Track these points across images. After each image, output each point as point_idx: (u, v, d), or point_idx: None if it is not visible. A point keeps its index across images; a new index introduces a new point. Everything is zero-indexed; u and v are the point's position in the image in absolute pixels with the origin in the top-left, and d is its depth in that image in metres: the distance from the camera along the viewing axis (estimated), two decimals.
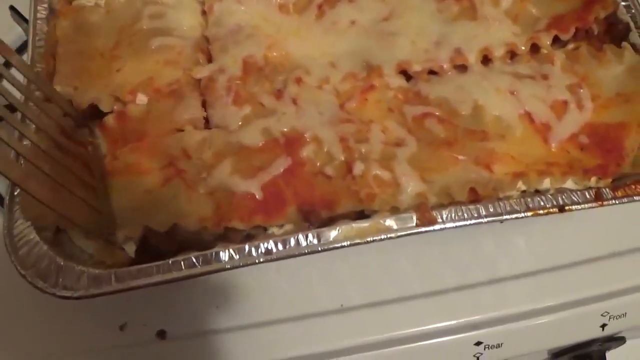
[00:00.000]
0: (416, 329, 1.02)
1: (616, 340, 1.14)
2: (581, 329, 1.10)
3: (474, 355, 1.05)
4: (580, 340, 1.12)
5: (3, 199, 0.91)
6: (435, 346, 1.03)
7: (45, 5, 1.07)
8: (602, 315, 1.08)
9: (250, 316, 1.01)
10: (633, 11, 1.09)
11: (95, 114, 1.01)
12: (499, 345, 1.05)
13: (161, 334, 1.00)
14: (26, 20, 1.20)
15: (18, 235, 0.88)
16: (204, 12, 1.12)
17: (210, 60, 1.06)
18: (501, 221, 0.92)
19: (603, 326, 1.09)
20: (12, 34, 1.28)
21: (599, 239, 1.10)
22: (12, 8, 1.24)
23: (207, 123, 1.01)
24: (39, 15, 1.06)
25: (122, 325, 1.00)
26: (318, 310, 1.02)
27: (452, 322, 1.03)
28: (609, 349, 1.15)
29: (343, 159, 0.95)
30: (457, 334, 1.04)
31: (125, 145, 0.98)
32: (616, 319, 1.09)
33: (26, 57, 1.03)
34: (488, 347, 1.05)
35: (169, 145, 0.96)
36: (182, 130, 0.98)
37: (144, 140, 0.97)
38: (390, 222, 0.89)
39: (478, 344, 1.04)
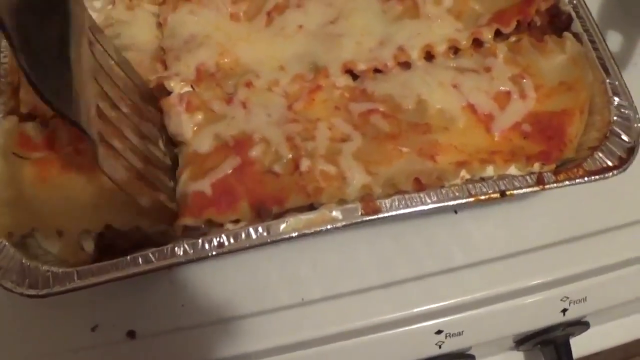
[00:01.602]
0: (377, 319, 1.08)
1: (579, 325, 1.18)
2: (542, 314, 1.15)
3: (436, 344, 1.11)
4: (542, 326, 1.17)
5: None
6: (397, 336, 1.09)
7: None
8: (561, 300, 1.13)
9: (214, 313, 1.07)
10: (575, 2, 1.15)
11: None
12: (460, 333, 1.11)
13: (131, 334, 1.06)
14: None
15: None
16: (159, 24, 1.20)
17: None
18: (455, 211, 0.99)
19: (564, 311, 1.14)
20: None
21: (553, 224, 1.15)
22: None
23: None
24: None
25: (94, 327, 1.07)
26: (279, 304, 1.08)
27: (412, 311, 1.08)
28: (572, 334, 1.19)
29: (290, 156, 1.01)
30: (417, 323, 1.10)
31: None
32: (576, 303, 1.14)
33: None
34: (449, 335, 1.11)
35: None
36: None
37: None
38: (336, 213, 0.96)
39: (439, 332, 1.10)
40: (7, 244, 0.96)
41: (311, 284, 1.10)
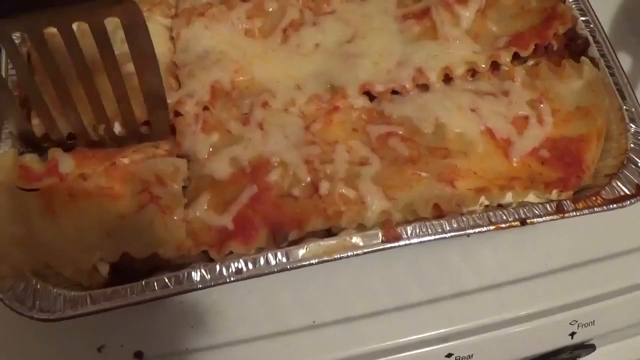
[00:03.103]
0: (388, 343, 1.08)
1: (586, 347, 1.20)
2: (551, 337, 1.16)
3: None
4: (551, 349, 1.17)
5: None
6: (407, 359, 1.09)
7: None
8: (570, 323, 1.14)
9: (224, 335, 1.06)
10: (592, 26, 1.15)
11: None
12: (469, 357, 1.11)
13: (138, 355, 1.05)
14: None
15: None
16: (172, 38, 1.18)
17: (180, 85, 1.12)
18: (467, 235, 0.99)
19: (572, 334, 1.15)
20: None
21: (564, 249, 1.16)
22: None
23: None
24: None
25: (100, 347, 1.05)
26: (291, 327, 1.08)
27: (423, 335, 1.09)
28: (579, 356, 1.20)
29: (309, 180, 1.01)
30: (427, 346, 1.10)
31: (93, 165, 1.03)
32: (585, 327, 1.15)
33: None
34: (459, 359, 1.11)
35: (142, 172, 1.01)
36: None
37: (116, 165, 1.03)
38: (356, 239, 0.96)
39: (449, 355, 1.10)
40: None
41: (323, 306, 1.10)
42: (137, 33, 0.93)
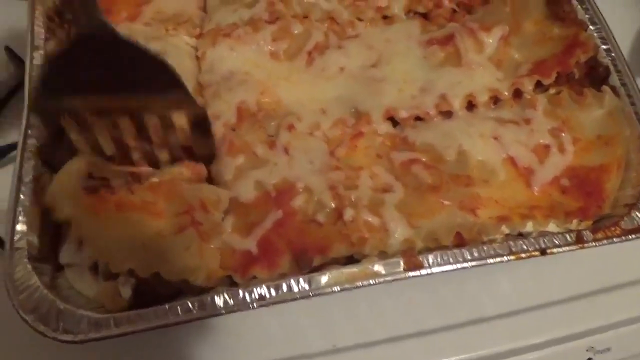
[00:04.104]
0: None
1: None
2: None
3: None
4: None
5: (4, 242, 0.98)
6: None
7: (41, 52, 1.13)
8: (587, 350, 1.15)
9: (244, 358, 1.08)
10: (613, 54, 1.16)
11: None
12: None
13: None
14: (21, 60, 1.28)
15: (19, 279, 0.94)
16: (197, 57, 1.19)
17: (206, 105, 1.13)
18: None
19: None
20: (7, 73, 1.36)
21: (581, 276, 1.17)
22: (7, 48, 1.31)
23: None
24: (34, 62, 1.12)
25: None
26: (311, 351, 1.09)
27: None
28: None
29: (334, 206, 1.02)
30: None
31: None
32: (601, 353, 1.15)
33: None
34: None
35: (188, 194, 1.02)
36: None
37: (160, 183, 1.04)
38: (378, 267, 0.96)
39: None
40: (40, 285, 0.94)
41: (343, 330, 1.11)
42: (201, 129, 1.02)
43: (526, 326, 1.13)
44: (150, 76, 0.96)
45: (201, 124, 1.02)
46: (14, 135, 1.23)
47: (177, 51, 1.17)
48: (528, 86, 1.14)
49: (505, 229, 1.02)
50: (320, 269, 0.97)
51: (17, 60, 1.33)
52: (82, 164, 1.04)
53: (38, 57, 1.13)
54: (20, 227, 0.98)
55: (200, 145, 1.06)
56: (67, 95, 0.98)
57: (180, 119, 1.02)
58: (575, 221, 1.03)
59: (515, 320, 1.13)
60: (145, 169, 1.07)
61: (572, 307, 1.15)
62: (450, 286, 1.14)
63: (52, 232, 1.03)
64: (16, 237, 0.97)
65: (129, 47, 0.95)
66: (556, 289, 1.16)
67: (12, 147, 1.24)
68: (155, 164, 1.07)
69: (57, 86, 0.98)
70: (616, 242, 1.02)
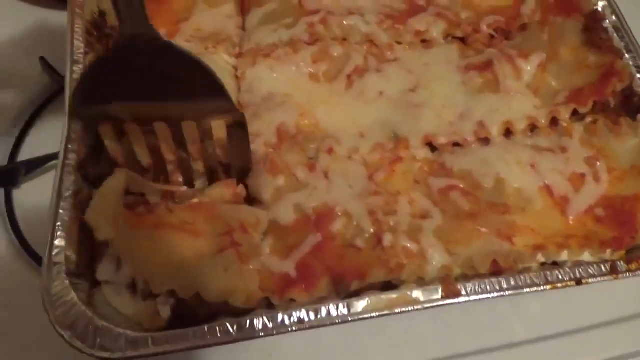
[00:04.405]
0: None
1: None
2: None
3: None
4: None
5: (41, 258, 0.98)
6: None
7: (81, 66, 1.14)
8: None
9: None
10: None
11: None
12: None
13: None
14: (56, 72, 1.28)
15: (56, 294, 0.94)
16: (236, 76, 1.20)
17: None
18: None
19: None
20: (41, 84, 1.37)
21: (612, 303, 1.19)
22: (42, 59, 1.32)
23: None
24: (74, 75, 1.12)
25: None
26: None
27: None
28: None
29: (372, 231, 1.02)
30: None
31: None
32: None
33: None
34: None
35: (228, 215, 1.03)
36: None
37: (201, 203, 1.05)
38: (417, 294, 0.97)
39: None
40: (77, 301, 0.94)
41: (374, 352, 1.12)
42: (239, 134, 1.02)
43: (556, 352, 1.14)
44: (192, 82, 0.97)
45: (240, 132, 1.02)
46: (49, 146, 1.24)
47: (217, 69, 1.16)
48: (565, 114, 1.15)
49: (541, 258, 1.02)
50: (357, 293, 0.98)
51: (51, 71, 1.33)
52: (121, 180, 1.04)
53: (77, 71, 1.13)
54: (58, 242, 0.98)
55: (237, 156, 1.06)
56: (106, 101, 0.99)
57: (219, 129, 1.02)
58: (609, 250, 1.04)
59: (546, 346, 1.14)
60: (183, 189, 1.08)
61: (603, 333, 1.16)
62: (483, 310, 1.15)
63: (89, 248, 1.03)
64: (54, 252, 0.97)
65: (172, 50, 0.96)
66: (587, 315, 1.17)
67: (48, 158, 1.25)
68: (190, 175, 1.08)
69: (97, 91, 0.99)
70: None
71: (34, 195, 1.25)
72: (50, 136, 1.13)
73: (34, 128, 1.34)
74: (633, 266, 1.03)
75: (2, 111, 1.34)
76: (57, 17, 1.37)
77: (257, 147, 1.09)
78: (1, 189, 1.26)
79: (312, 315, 0.95)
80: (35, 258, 1.18)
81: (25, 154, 1.31)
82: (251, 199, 1.08)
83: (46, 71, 1.34)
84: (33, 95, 1.38)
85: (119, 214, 1.00)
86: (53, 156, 1.21)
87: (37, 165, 1.26)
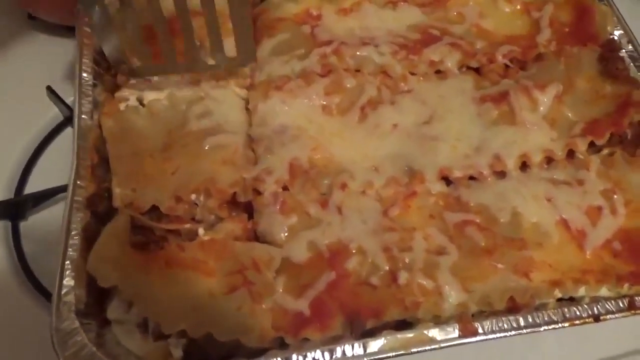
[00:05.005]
0: None
1: None
2: None
3: None
4: None
5: (48, 291, 0.97)
6: None
7: (90, 99, 1.13)
8: None
9: None
10: None
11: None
12: None
13: None
14: (63, 102, 1.27)
15: (66, 335, 0.93)
16: (247, 109, 1.19)
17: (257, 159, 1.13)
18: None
19: None
20: (49, 114, 1.36)
21: (630, 336, 1.18)
22: (49, 88, 1.31)
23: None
24: (83, 109, 1.12)
25: None
26: None
27: None
28: None
29: (387, 268, 1.01)
30: None
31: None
32: None
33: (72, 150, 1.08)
34: None
35: (240, 253, 1.02)
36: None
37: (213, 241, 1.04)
38: (433, 333, 0.96)
39: None
40: (87, 342, 0.93)
41: None
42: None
43: None
44: None
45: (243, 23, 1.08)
46: (56, 177, 1.23)
47: (223, 102, 1.16)
48: (582, 147, 1.14)
49: (558, 293, 1.02)
50: (372, 332, 0.97)
51: (58, 100, 1.32)
52: (123, 222, 1.04)
53: (85, 104, 1.12)
54: (67, 281, 0.97)
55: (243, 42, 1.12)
56: None
57: None
58: (626, 285, 1.03)
59: None
60: (189, 225, 1.07)
61: None
62: (498, 344, 1.11)
63: (99, 286, 1.01)
64: (63, 291, 0.96)
65: None
66: (604, 349, 1.16)
67: (56, 190, 1.23)
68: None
69: None
70: None
71: (42, 227, 1.24)
72: (57, 167, 1.12)
73: (41, 159, 1.33)
74: None
75: (9, 141, 1.34)
76: (62, 45, 1.36)
77: (269, 185, 1.08)
78: (8, 222, 1.24)
79: (327, 356, 0.95)
80: (42, 291, 1.17)
81: (32, 186, 1.30)
82: (261, 240, 1.07)
83: (53, 100, 1.33)
84: (40, 125, 1.37)
85: (126, 255, 0.99)
86: (61, 188, 1.20)
87: (45, 197, 1.26)
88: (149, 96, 1.19)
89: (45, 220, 1.25)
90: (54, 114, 1.36)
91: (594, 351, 1.16)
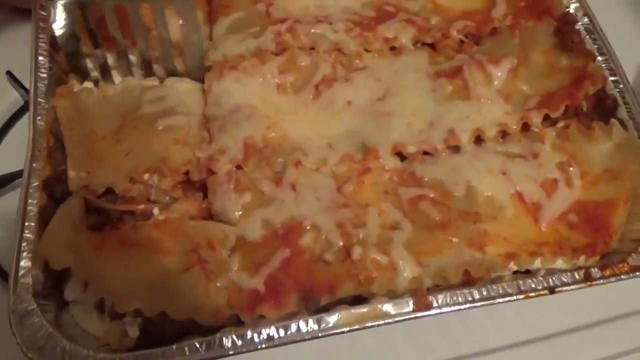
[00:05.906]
0: None
1: None
2: None
3: None
4: None
5: (8, 275, 0.98)
6: None
7: (45, 82, 1.13)
8: None
9: None
10: (621, 86, 1.17)
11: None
12: None
13: None
14: (22, 86, 1.27)
15: (23, 316, 0.94)
16: (203, 90, 1.19)
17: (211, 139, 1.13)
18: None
19: None
20: (8, 98, 1.36)
21: (587, 307, 1.19)
22: (9, 73, 1.31)
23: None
24: (39, 91, 1.12)
25: None
26: None
27: None
28: None
29: (341, 244, 1.02)
30: None
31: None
32: None
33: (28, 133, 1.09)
34: None
35: (194, 232, 1.03)
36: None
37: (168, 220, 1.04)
38: (387, 307, 0.96)
39: None
40: (45, 323, 0.94)
41: None
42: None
43: (531, 357, 1.15)
44: None
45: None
46: (16, 162, 1.22)
47: (184, 84, 1.17)
48: (536, 120, 1.14)
49: (513, 266, 1.02)
50: (328, 308, 0.97)
51: (18, 85, 1.32)
52: (77, 205, 1.05)
53: (41, 87, 1.12)
54: (24, 262, 0.97)
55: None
56: None
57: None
58: (582, 257, 1.04)
59: (521, 352, 1.15)
60: (143, 205, 1.07)
61: (577, 338, 1.17)
62: (457, 317, 1.13)
63: None
64: (20, 273, 0.97)
65: None
66: (562, 320, 1.18)
67: (16, 175, 1.23)
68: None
69: None
70: (624, 279, 1.02)
71: (1, 212, 1.23)
72: (18, 152, 1.11)
73: (2, 144, 1.33)
74: (607, 272, 1.02)
75: None
76: (22, 30, 1.36)
77: (223, 165, 1.08)
78: None
79: (281, 332, 0.95)
80: (2, 275, 1.17)
81: None
82: (215, 218, 1.08)
83: (13, 86, 1.33)
84: (0, 110, 1.36)
85: (80, 236, 1.00)
86: (20, 173, 1.19)
87: (4, 182, 1.25)
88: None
89: (5, 205, 1.26)
90: (14, 98, 1.36)
91: (554, 321, 1.18)
